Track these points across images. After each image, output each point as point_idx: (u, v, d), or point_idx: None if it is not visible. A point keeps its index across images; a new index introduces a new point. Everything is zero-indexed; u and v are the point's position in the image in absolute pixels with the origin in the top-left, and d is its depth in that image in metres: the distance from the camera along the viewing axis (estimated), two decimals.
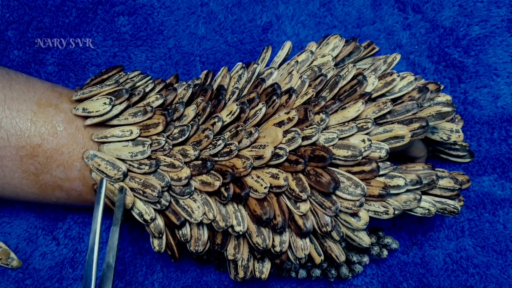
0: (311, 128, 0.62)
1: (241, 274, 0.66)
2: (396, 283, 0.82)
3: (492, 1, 0.90)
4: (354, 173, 0.62)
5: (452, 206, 0.67)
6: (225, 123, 0.64)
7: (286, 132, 0.62)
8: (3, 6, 0.82)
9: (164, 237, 0.64)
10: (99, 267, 0.62)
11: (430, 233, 0.83)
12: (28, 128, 0.60)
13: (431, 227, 0.84)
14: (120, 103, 0.62)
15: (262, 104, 0.63)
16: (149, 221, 0.62)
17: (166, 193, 0.62)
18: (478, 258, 0.82)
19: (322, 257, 0.66)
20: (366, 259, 0.75)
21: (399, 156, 0.75)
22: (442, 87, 0.71)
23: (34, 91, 0.62)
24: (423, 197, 0.65)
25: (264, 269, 0.66)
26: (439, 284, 0.81)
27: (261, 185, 0.60)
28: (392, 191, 0.62)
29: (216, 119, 0.63)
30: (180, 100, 0.67)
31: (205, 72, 0.74)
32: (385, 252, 0.76)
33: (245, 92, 0.68)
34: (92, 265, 0.59)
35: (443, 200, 0.67)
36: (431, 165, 0.68)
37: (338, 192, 0.60)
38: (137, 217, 0.62)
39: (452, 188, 0.67)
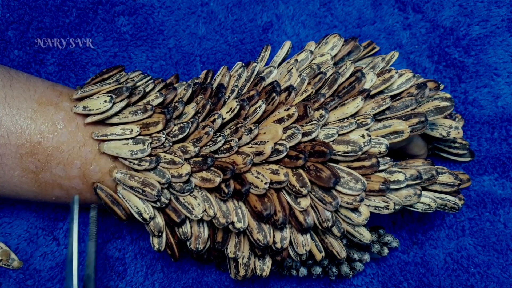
0: (311, 124, 0.62)
1: (241, 272, 0.66)
2: (396, 283, 0.81)
3: (493, 1, 0.90)
4: (354, 168, 0.62)
5: (453, 202, 0.67)
6: (225, 120, 0.64)
7: (286, 129, 0.62)
8: (3, 6, 0.82)
9: (164, 235, 0.64)
10: (82, 278, 0.64)
11: (430, 232, 0.83)
12: (28, 126, 0.60)
13: (431, 226, 0.84)
14: (121, 101, 0.62)
15: (262, 101, 0.64)
16: (148, 220, 0.62)
17: (166, 191, 0.62)
18: (479, 257, 0.82)
19: (323, 254, 0.66)
20: (367, 256, 0.75)
21: (399, 154, 0.75)
22: (442, 87, 0.71)
23: (34, 90, 0.62)
24: (423, 192, 0.65)
25: (265, 266, 0.66)
26: (439, 283, 0.81)
27: (262, 181, 0.60)
28: (392, 186, 0.62)
29: (216, 116, 0.63)
30: (180, 99, 0.67)
31: (205, 71, 0.74)
32: (386, 250, 0.76)
33: (245, 90, 0.68)
34: (72, 277, 0.61)
35: (443, 196, 0.68)
36: (431, 161, 0.68)
37: (338, 187, 0.60)
38: (136, 216, 0.62)
39: (452, 183, 0.67)
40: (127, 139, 0.61)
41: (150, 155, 0.61)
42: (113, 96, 0.61)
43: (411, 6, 0.91)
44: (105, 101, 0.61)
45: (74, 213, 0.62)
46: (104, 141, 0.62)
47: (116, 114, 0.62)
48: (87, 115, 0.62)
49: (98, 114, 0.62)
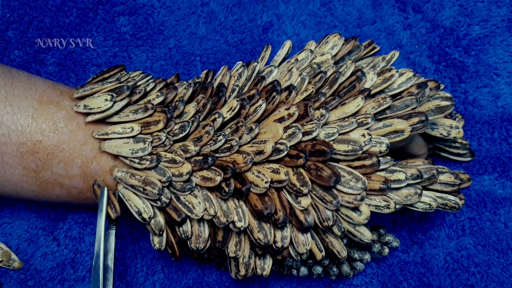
0: (312, 124, 0.62)
1: (242, 271, 0.66)
2: (396, 283, 0.81)
3: (493, 0, 0.90)
4: (354, 168, 0.62)
5: (453, 202, 0.67)
6: (226, 119, 0.64)
7: (286, 128, 0.62)
8: (4, 6, 0.83)
9: (164, 234, 0.64)
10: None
11: (430, 232, 0.83)
12: (29, 124, 0.60)
13: (431, 226, 0.83)
14: (121, 100, 0.62)
15: (262, 100, 0.64)
16: (147, 219, 0.61)
17: (166, 190, 0.62)
18: (479, 257, 0.82)
19: (324, 253, 0.66)
20: (367, 256, 0.74)
21: (400, 154, 0.75)
22: (442, 87, 0.71)
23: (35, 89, 0.62)
24: (424, 192, 0.65)
25: (266, 265, 0.66)
26: (439, 283, 0.81)
27: (262, 180, 0.60)
28: (393, 185, 0.62)
29: (216, 115, 0.63)
30: (181, 98, 0.67)
31: (205, 71, 0.74)
32: (386, 250, 0.76)
33: (245, 89, 0.68)
34: (99, 271, 0.61)
35: (444, 195, 0.68)
36: (431, 160, 0.68)
37: (339, 186, 0.60)
38: (135, 215, 0.62)
39: (452, 183, 0.67)
40: (128, 137, 0.62)
41: (150, 154, 0.61)
42: (114, 95, 0.61)
43: (411, 6, 0.91)
44: (106, 99, 0.61)
45: (103, 207, 0.62)
46: (104, 139, 0.62)
47: (117, 113, 0.63)
48: (88, 114, 0.62)
49: (99, 112, 0.62)
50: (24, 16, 0.83)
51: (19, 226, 0.78)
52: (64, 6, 0.85)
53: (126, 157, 0.61)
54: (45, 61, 0.83)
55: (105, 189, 0.62)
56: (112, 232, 0.65)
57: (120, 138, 0.62)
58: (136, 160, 0.61)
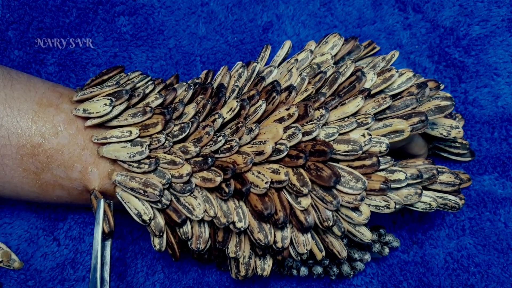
0: (311, 124, 0.62)
1: (242, 272, 0.66)
2: (396, 283, 0.81)
3: (493, 0, 0.90)
4: (354, 168, 0.62)
5: (453, 201, 0.67)
6: (226, 120, 0.64)
7: (286, 128, 0.62)
8: (4, 6, 0.82)
9: (164, 235, 0.64)
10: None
11: (430, 232, 0.83)
12: (29, 127, 0.60)
13: (431, 226, 0.83)
14: (120, 104, 0.62)
15: (262, 101, 0.63)
16: (148, 221, 0.61)
17: (166, 192, 0.62)
18: (479, 257, 0.82)
19: (324, 253, 0.66)
20: (367, 256, 0.74)
21: (400, 154, 0.75)
22: (442, 87, 0.71)
23: (35, 91, 0.62)
24: (424, 192, 0.65)
25: (266, 266, 0.66)
26: (439, 283, 0.81)
27: (262, 181, 0.60)
28: (393, 185, 0.62)
29: (216, 116, 0.63)
30: (180, 100, 0.67)
31: (205, 71, 0.74)
32: (387, 250, 0.75)
33: (245, 90, 0.68)
34: (97, 284, 0.61)
35: (444, 195, 0.68)
36: (431, 160, 0.68)
37: (339, 186, 0.60)
38: (135, 217, 0.62)
39: (452, 183, 0.67)
40: (126, 141, 0.61)
41: (149, 157, 0.61)
42: (113, 99, 0.61)
43: (411, 6, 0.91)
44: (105, 104, 0.61)
45: (100, 220, 0.62)
46: (103, 144, 0.62)
47: (115, 117, 0.62)
48: (87, 118, 0.62)
49: (98, 117, 0.61)
50: (24, 16, 0.83)
51: (19, 226, 0.78)
52: (64, 6, 0.85)
53: (124, 161, 0.61)
54: (45, 61, 0.83)
55: (101, 201, 0.62)
56: (108, 244, 0.65)
57: (118, 142, 0.61)
58: (135, 164, 0.61)
